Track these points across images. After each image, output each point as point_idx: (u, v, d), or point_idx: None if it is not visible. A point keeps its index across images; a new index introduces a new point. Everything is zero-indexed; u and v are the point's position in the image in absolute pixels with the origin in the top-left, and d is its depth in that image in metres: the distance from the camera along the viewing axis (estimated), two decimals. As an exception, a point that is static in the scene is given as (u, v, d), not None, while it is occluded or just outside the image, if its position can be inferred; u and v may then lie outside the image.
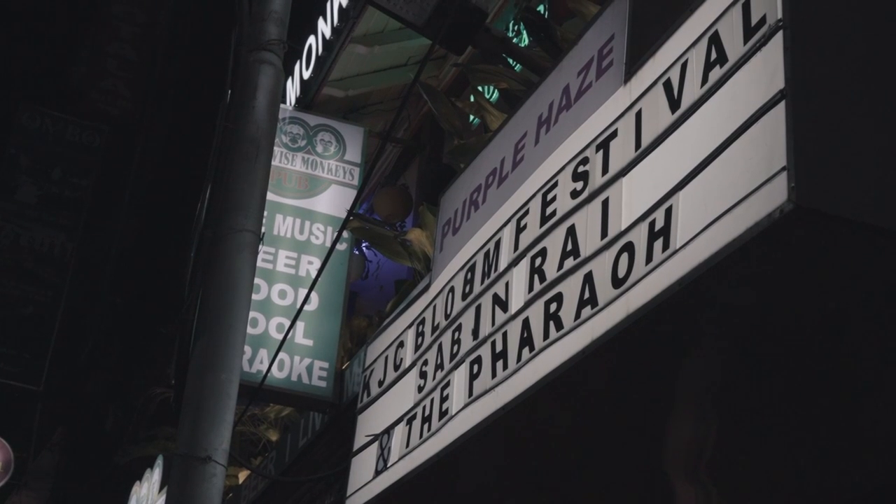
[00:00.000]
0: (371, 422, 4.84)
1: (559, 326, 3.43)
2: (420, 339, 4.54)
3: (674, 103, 3.13)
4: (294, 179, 7.89)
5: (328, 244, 7.60)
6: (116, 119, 20.20)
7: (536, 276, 3.66)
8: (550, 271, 3.57)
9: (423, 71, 5.85)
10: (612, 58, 3.59)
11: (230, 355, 4.35)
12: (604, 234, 3.32)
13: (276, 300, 7.49)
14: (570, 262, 3.47)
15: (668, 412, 3.60)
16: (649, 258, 3.04)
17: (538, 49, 5.77)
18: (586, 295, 3.33)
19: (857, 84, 2.71)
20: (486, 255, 4.08)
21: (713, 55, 2.99)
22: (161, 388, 11.79)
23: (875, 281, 2.79)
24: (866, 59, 2.75)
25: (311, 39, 8.92)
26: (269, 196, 5.93)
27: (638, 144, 3.26)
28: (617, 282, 3.18)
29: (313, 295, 7.38)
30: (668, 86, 3.18)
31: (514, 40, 6.21)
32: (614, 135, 3.41)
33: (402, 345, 4.73)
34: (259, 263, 5.64)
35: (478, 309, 4.02)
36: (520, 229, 3.87)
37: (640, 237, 3.12)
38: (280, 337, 6.93)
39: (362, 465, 4.78)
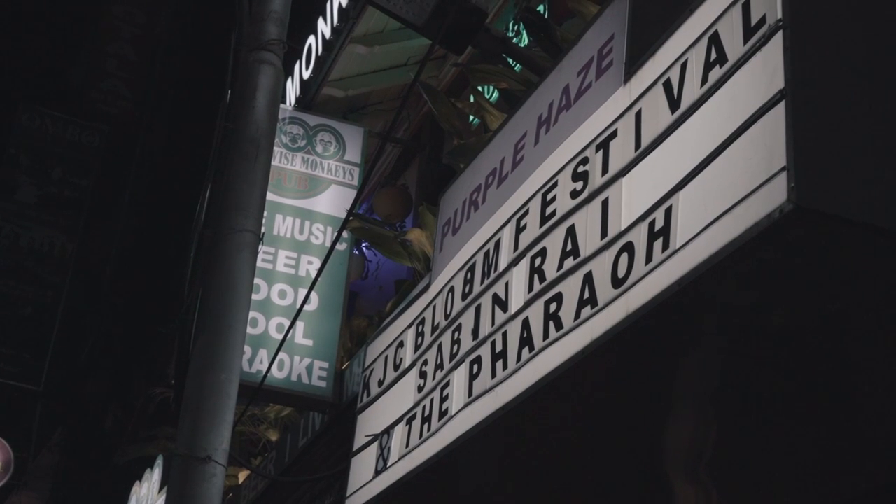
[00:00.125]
0: (371, 422, 4.84)
1: (559, 326, 3.43)
2: (420, 339, 4.53)
3: (674, 103, 3.12)
4: (294, 179, 7.89)
5: (328, 244, 7.60)
6: (116, 119, 20.21)
7: (536, 276, 3.66)
8: (550, 271, 3.57)
9: (423, 71, 5.85)
10: (612, 58, 3.59)
11: (230, 355, 4.35)
12: (603, 234, 3.32)
13: (275, 300, 7.49)
14: (569, 262, 3.47)
15: (668, 412, 3.60)
16: (649, 258, 3.04)
17: (538, 49, 5.76)
18: (586, 295, 3.32)
19: (857, 84, 2.71)
20: (486, 255, 4.08)
21: (713, 55, 2.99)
22: (161, 388, 11.78)
23: (875, 281, 2.79)
24: (866, 59, 2.75)
25: (311, 39, 8.92)
26: (269, 196, 5.93)
27: (638, 144, 3.26)
28: (617, 282, 3.17)
29: (313, 295, 7.38)
30: (667, 86, 3.18)
31: (514, 40, 6.21)
32: (614, 135, 3.41)
33: (401, 345, 4.73)
34: (259, 263, 5.64)
35: (478, 309, 4.01)
36: (520, 229, 3.86)
37: (639, 237, 3.12)
38: (280, 337, 6.93)
39: (362, 465, 4.78)
